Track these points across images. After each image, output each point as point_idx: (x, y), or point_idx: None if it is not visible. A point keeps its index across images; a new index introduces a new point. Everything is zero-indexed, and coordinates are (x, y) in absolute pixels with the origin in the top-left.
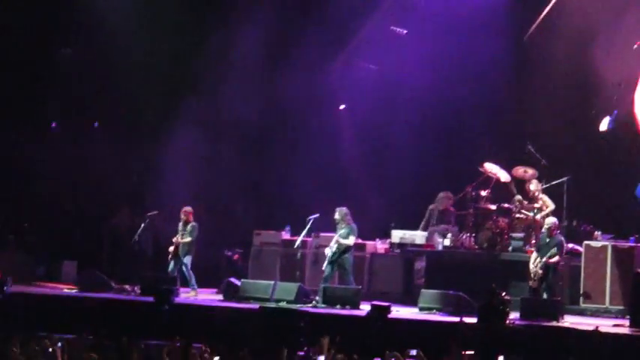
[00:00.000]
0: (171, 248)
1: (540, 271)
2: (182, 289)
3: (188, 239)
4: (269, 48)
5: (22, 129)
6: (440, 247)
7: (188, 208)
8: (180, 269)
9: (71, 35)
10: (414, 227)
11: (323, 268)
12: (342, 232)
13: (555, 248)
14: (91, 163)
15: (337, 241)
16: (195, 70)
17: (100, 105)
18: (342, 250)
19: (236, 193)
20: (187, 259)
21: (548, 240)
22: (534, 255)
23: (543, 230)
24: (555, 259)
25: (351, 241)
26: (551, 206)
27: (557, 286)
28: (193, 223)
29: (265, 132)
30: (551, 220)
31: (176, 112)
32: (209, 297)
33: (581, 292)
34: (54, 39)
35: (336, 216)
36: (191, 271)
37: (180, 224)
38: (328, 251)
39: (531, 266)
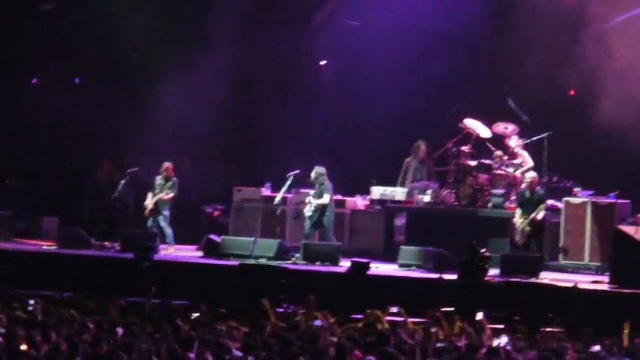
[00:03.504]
0: (149, 203)
1: (528, 228)
2: (161, 246)
3: (171, 195)
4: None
5: (2, 84)
6: (420, 204)
7: (168, 164)
8: (159, 224)
9: None
10: (395, 183)
11: (305, 226)
12: (316, 191)
13: (541, 204)
14: (71, 118)
15: (311, 201)
16: (178, 21)
17: (80, 60)
18: (320, 209)
19: (217, 149)
20: (166, 215)
21: (529, 195)
22: (518, 211)
23: (523, 186)
24: (542, 214)
25: (326, 199)
26: (530, 162)
27: (542, 240)
28: (174, 179)
29: (246, 88)
30: (532, 175)
31: (158, 66)
32: (189, 254)
33: (560, 247)
34: None
35: (312, 175)
36: (169, 227)
37: (160, 179)
38: (307, 210)
39: (517, 223)
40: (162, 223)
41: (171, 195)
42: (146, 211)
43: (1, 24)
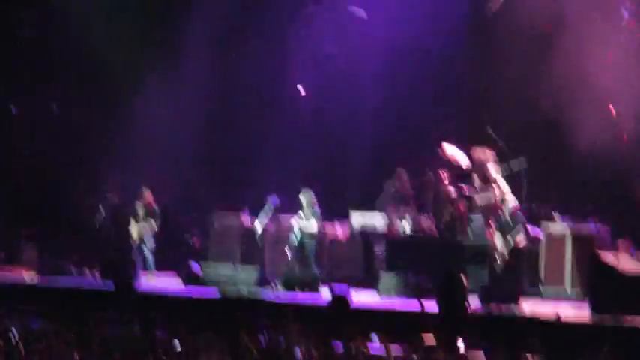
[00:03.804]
0: (134, 232)
1: (507, 257)
2: (142, 272)
3: (155, 228)
4: (230, 22)
5: None
6: (400, 232)
7: (148, 193)
8: (142, 250)
9: (29, 16)
10: (371, 206)
11: (286, 252)
12: (305, 216)
13: (520, 229)
14: (53, 145)
15: (300, 227)
16: (159, 41)
17: (61, 85)
18: (307, 235)
19: (196, 172)
20: (151, 241)
21: (510, 221)
22: (499, 237)
23: (504, 212)
24: (521, 240)
25: (315, 227)
26: (507, 189)
27: (524, 267)
28: (155, 208)
29: (225, 109)
30: (512, 201)
31: (135, 90)
32: (169, 281)
33: (540, 276)
34: (12, 20)
35: (302, 199)
36: (152, 254)
37: (140, 207)
38: (292, 237)
39: (497, 249)
40: (146, 249)
41: (155, 228)
42: (131, 238)
43: None
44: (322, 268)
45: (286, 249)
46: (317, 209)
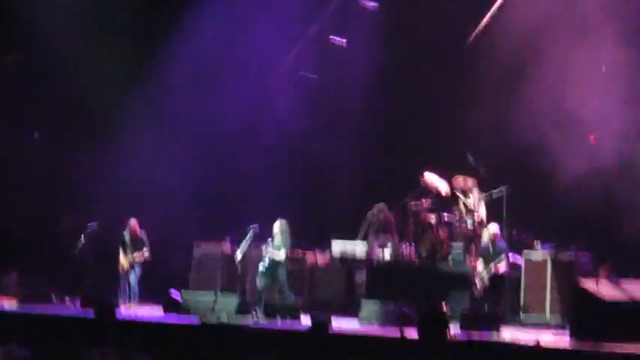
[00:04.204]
0: (124, 262)
1: (487, 281)
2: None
3: (146, 254)
4: (210, 54)
5: None
6: (381, 258)
7: (133, 221)
8: (129, 281)
9: (11, 43)
10: (353, 235)
11: (257, 282)
12: (276, 245)
13: (501, 256)
14: (31, 173)
15: (270, 254)
16: (142, 75)
17: (40, 114)
18: (276, 263)
19: (177, 202)
20: (138, 272)
21: (491, 248)
22: (480, 264)
23: (485, 239)
24: (502, 266)
25: (283, 255)
26: (483, 215)
27: (505, 294)
28: (142, 235)
29: (205, 142)
30: (493, 228)
31: (119, 120)
32: (150, 309)
33: (521, 303)
34: None
35: (275, 229)
36: (138, 285)
37: (127, 236)
38: (261, 265)
39: (479, 276)
40: (132, 279)
41: (147, 254)
42: (120, 269)
43: None
44: (301, 295)
45: (256, 277)
46: (289, 239)
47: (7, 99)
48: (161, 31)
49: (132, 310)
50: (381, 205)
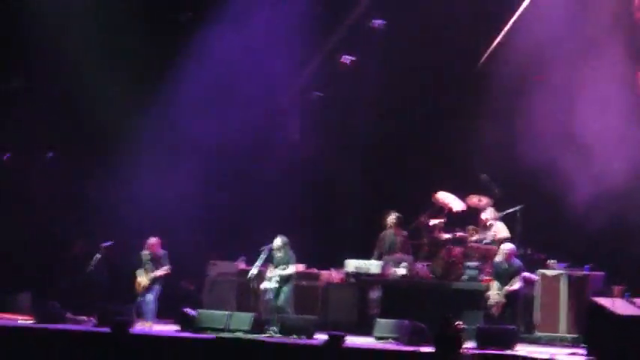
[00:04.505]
0: (143, 280)
1: (504, 300)
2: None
3: (166, 271)
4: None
5: None
6: (395, 277)
7: (154, 240)
8: (145, 300)
9: (23, 64)
10: (367, 256)
11: (266, 299)
12: (280, 261)
13: (516, 274)
14: (44, 193)
15: (278, 274)
16: (152, 97)
17: (53, 134)
18: (285, 280)
19: (190, 223)
20: (157, 290)
21: (506, 267)
22: (495, 283)
23: (499, 257)
24: (517, 285)
25: (292, 269)
26: (506, 233)
27: (520, 313)
28: (163, 252)
29: (218, 162)
30: (508, 247)
31: (132, 138)
32: (165, 327)
33: (535, 320)
34: (6, 68)
35: (278, 243)
36: (155, 303)
37: (147, 254)
38: (268, 285)
39: (493, 294)
40: (149, 298)
41: (167, 271)
42: (139, 287)
43: None
44: (316, 313)
45: (267, 297)
46: (291, 252)
47: (20, 120)
48: (173, 51)
49: (147, 327)
50: (391, 213)
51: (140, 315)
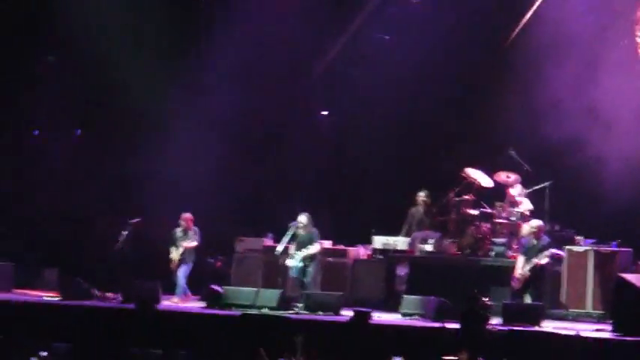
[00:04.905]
0: (175, 256)
1: (528, 274)
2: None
3: (194, 243)
4: (252, 52)
5: (3, 136)
6: (422, 253)
7: (188, 215)
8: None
9: (53, 42)
10: (395, 232)
11: (291, 277)
12: (304, 238)
13: (544, 250)
14: (73, 170)
15: (303, 251)
16: (179, 75)
17: (82, 112)
18: (309, 258)
19: (218, 199)
20: (189, 266)
21: (534, 243)
22: (522, 258)
23: (527, 233)
24: (545, 260)
25: (316, 248)
26: (530, 207)
27: (545, 288)
28: (195, 228)
29: (245, 138)
30: (537, 223)
31: (158, 116)
32: (192, 304)
33: (562, 297)
34: (36, 46)
35: (302, 220)
36: (185, 279)
37: (179, 231)
38: (292, 262)
39: (519, 270)
40: (181, 274)
41: (195, 243)
42: (172, 264)
43: (3, 75)
44: (343, 289)
45: (292, 273)
46: (314, 229)
47: (48, 97)
48: (198, 27)
49: (175, 303)
50: (422, 193)
51: (177, 291)
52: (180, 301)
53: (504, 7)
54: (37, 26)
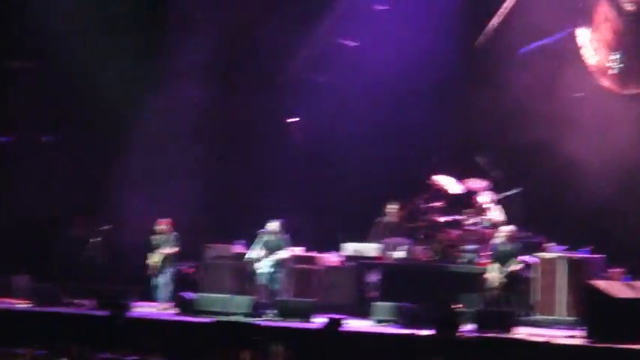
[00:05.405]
0: (155, 261)
1: (504, 280)
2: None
3: (176, 249)
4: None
5: None
6: (393, 259)
7: (168, 220)
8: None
9: (24, 46)
10: (363, 239)
11: (263, 283)
12: (274, 245)
13: (515, 257)
14: (44, 175)
15: (272, 258)
16: (151, 77)
17: (51, 116)
18: (278, 264)
19: (188, 205)
20: (171, 271)
21: (505, 249)
22: (494, 265)
23: (499, 240)
24: (519, 265)
25: (285, 254)
26: (502, 218)
27: (518, 295)
28: (176, 233)
29: (216, 143)
30: (509, 228)
31: (130, 124)
32: (166, 311)
33: (534, 303)
34: (6, 50)
35: (272, 227)
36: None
37: (157, 237)
38: (262, 269)
39: (493, 276)
40: (160, 281)
41: (177, 249)
42: (150, 270)
43: None
44: (314, 296)
45: (263, 280)
46: (286, 237)
47: (22, 101)
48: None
49: (162, 310)
50: (394, 206)
51: (156, 297)
52: (166, 306)
53: (474, 7)
54: (8, 27)
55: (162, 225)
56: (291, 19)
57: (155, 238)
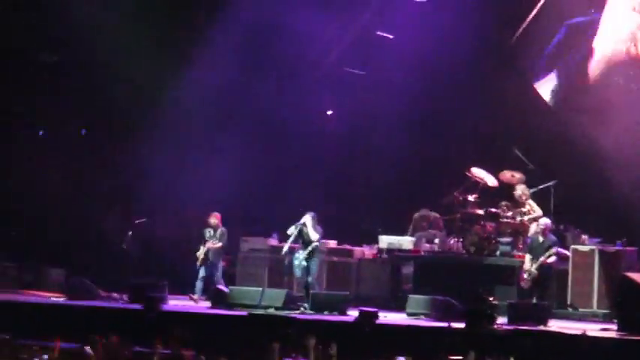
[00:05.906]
0: (200, 253)
1: (536, 272)
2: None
3: (219, 244)
4: (254, 51)
5: (8, 136)
6: (427, 252)
7: (215, 214)
8: (210, 275)
9: (55, 41)
10: (400, 233)
11: (297, 276)
12: (308, 237)
13: (552, 249)
14: (79, 170)
15: (306, 250)
16: (181, 75)
17: (88, 110)
18: (311, 255)
19: (224, 199)
20: (217, 265)
21: (542, 240)
22: (528, 257)
23: (534, 232)
24: (552, 259)
25: (316, 244)
26: (539, 212)
27: (551, 287)
28: (223, 229)
29: (254, 138)
30: (545, 221)
31: (161, 118)
32: (198, 304)
33: (569, 302)
34: (38, 45)
35: (306, 220)
36: (222, 278)
37: (208, 230)
38: (296, 261)
39: (526, 267)
40: (201, 273)
41: (219, 245)
42: (198, 261)
43: (4, 75)
44: (349, 289)
45: (298, 273)
46: (319, 229)
47: (53, 96)
48: (201, 17)
49: (196, 303)
50: (424, 212)
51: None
52: (199, 301)
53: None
54: (38, 25)
55: (213, 218)
56: (329, 9)
57: (206, 231)
